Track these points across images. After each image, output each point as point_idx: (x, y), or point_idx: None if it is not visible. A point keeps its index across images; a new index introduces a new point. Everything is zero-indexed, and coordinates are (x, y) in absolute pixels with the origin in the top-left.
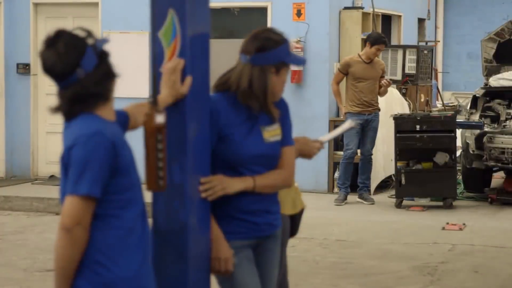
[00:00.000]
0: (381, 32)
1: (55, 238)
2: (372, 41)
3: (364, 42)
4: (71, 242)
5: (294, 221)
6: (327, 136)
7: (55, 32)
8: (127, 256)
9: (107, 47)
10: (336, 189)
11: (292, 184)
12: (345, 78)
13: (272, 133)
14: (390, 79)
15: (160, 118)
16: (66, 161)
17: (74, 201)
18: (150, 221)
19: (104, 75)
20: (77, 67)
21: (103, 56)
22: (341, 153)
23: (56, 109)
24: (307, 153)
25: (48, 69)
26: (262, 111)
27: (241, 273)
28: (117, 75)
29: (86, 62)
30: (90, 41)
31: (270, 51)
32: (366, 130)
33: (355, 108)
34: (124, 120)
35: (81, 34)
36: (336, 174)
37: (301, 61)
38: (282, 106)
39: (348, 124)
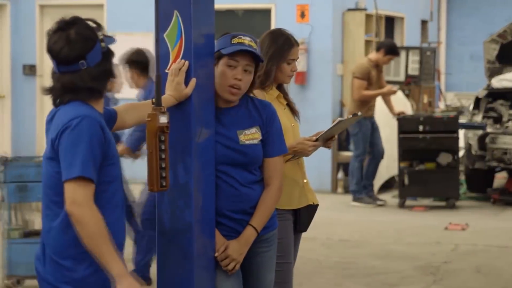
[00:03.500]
0: (384, 34)
1: (75, 228)
2: (388, 50)
3: (377, 48)
4: (87, 219)
5: (299, 216)
6: (321, 133)
7: (71, 17)
8: None
9: (112, 46)
10: (339, 189)
11: (281, 193)
12: (348, 81)
13: (249, 136)
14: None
15: (163, 119)
16: (56, 146)
17: (70, 186)
18: (154, 221)
19: (104, 72)
20: (82, 59)
21: (107, 54)
22: (345, 153)
23: (48, 91)
24: (299, 150)
25: (53, 51)
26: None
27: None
28: (115, 76)
29: (91, 56)
30: (100, 37)
31: None
32: (373, 132)
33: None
34: (111, 117)
35: (94, 27)
36: (340, 175)
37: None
38: (268, 112)
39: (337, 120)
